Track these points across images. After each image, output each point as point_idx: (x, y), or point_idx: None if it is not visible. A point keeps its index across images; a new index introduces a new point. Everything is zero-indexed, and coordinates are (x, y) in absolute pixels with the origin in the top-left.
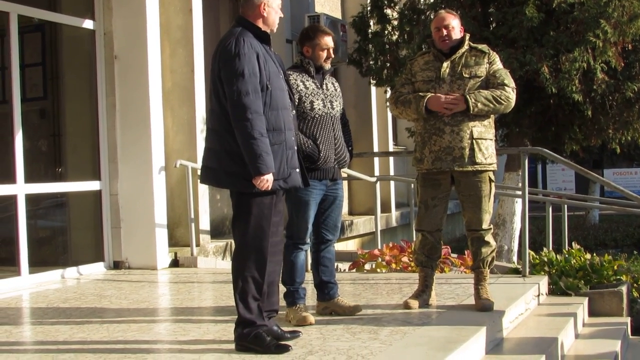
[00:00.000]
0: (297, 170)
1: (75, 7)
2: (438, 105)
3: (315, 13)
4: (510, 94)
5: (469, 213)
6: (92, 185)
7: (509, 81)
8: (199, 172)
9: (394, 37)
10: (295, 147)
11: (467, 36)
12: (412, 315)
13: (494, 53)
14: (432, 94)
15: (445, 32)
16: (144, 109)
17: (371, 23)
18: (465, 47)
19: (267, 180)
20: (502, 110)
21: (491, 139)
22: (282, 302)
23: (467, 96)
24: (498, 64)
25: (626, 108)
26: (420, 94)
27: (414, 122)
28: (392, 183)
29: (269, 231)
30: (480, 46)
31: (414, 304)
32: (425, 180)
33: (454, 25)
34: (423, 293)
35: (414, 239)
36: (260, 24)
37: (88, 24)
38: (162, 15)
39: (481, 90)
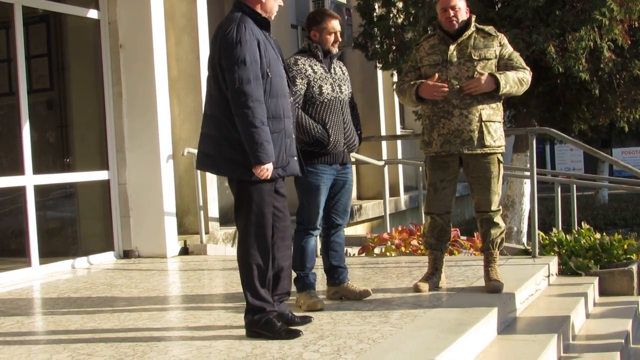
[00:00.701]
0: (295, 158)
1: None
2: (428, 93)
3: None
4: (529, 77)
5: (478, 195)
6: (101, 175)
7: (524, 64)
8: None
9: (399, 20)
10: (294, 136)
11: (473, 17)
12: (423, 298)
13: (502, 35)
14: (422, 81)
15: (452, 12)
16: (150, 97)
17: (376, 6)
18: (472, 28)
19: (267, 169)
20: (521, 92)
21: (499, 122)
22: (293, 287)
23: (498, 76)
24: (509, 47)
25: (634, 86)
26: (412, 82)
27: (421, 105)
28: (400, 166)
29: (270, 217)
30: (486, 28)
31: (424, 286)
32: (433, 163)
33: (460, 6)
34: (433, 276)
35: (423, 222)
36: (259, 9)
37: (92, 13)
38: (166, 3)
39: (506, 72)
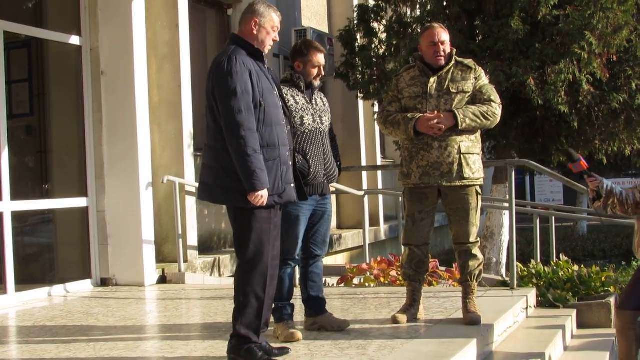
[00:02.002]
0: (292, 185)
1: (61, 23)
2: (426, 127)
3: (302, 27)
4: (496, 110)
5: (456, 226)
6: (79, 202)
7: (495, 97)
8: (186, 188)
9: (381, 51)
10: (290, 163)
11: (454, 51)
12: (401, 330)
13: (480, 68)
14: (421, 115)
15: (442, 47)
16: (130, 124)
17: (358, 37)
18: (452, 62)
19: (261, 196)
20: (488, 126)
21: (478, 154)
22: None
23: (456, 112)
24: (484, 80)
25: (612, 119)
26: (408, 115)
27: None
28: (380, 196)
29: (269, 245)
30: (466, 61)
31: (402, 318)
32: (412, 195)
33: (447, 41)
34: (411, 307)
35: (402, 253)
36: (253, 41)
37: (74, 39)
38: (148, 30)
39: (469, 106)
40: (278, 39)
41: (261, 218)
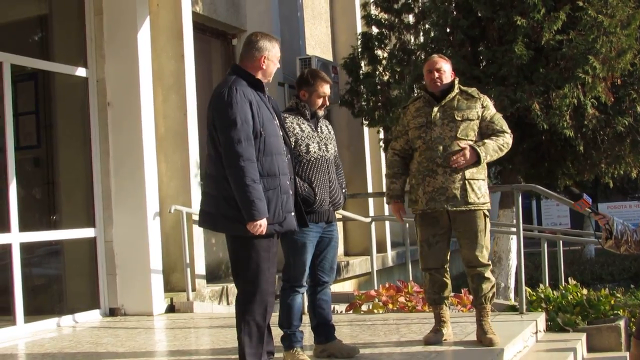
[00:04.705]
0: (293, 213)
1: (68, 55)
2: (395, 213)
3: (306, 55)
4: (509, 140)
5: (466, 249)
6: (87, 233)
7: (506, 127)
8: (194, 217)
9: (385, 78)
10: (291, 192)
11: (457, 80)
12: (410, 356)
13: (485, 97)
14: (395, 202)
15: (437, 74)
16: (137, 155)
17: (362, 64)
18: (456, 90)
19: (260, 225)
20: (501, 156)
21: (483, 179)
22: (280, 345)
23: (479, 150)
24: (492, 109)
25: (617, 142)
26: (389, 191)
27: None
28: (387, 223)
29: (268, 273)
30: (469, 90)
31: (434, 338)
32: (423, 220)
33: (445, 69)
34: (441, 329)
35: (422, 279)
36: (259, 75)
37: (81, 71)
38: (154, 61)
39: (488, 142)
40: (279, 66)
41: (260, 247)
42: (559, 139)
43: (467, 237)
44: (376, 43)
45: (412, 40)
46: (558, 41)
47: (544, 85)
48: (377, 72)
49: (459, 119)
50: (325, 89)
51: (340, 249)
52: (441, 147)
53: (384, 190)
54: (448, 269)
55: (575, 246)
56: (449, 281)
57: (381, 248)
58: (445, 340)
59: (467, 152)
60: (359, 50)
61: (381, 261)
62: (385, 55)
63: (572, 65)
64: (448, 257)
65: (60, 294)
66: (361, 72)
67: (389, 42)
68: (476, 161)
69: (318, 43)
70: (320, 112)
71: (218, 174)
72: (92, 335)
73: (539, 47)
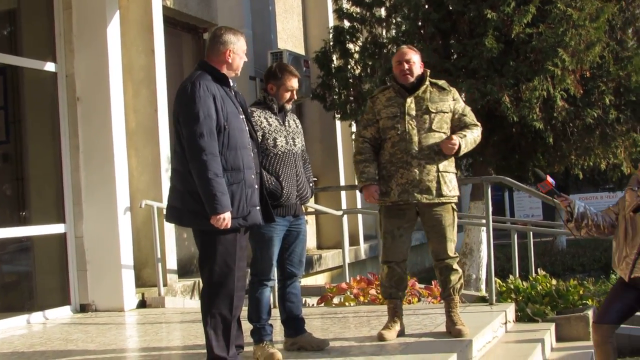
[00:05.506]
0: (258, 208)
1: (36, 50)
2: (368, 198)
3: (278, 49)
4: (480, 133)
5: (435, 243)
6: (57, 229)
7: (475, 119)
8: (164, 212)
9: (357, 71)
10: (256, 186)
11: (428, 72)
12: (381, 348)
13: (454, 89)
14: (370, 185)
15: (407, 65)
16: (107, 149)
17: (334, 58)
18: (427, 82)
19: (224, 219)
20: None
21: (454, 172)
22: (249, 339)
23: (461, 141)
24: (462, 102)
25: (587, 134)
26: (363, 174)
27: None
28: (359, 216)
29: (234, 268)
30: (440, 82)
31: (389, 335)
32: (389, 211)
33: (415, 60)
34: (395, 324)
35: (380, 272)
36: (224, 69)
37: (50, 66)
38: (124, 56)
39: (465, 134)
40: (246, 59)
41: (226, 241)
42: (529, 131)
43: (437, 230)
44: (348, 37)
45: (384, 33)
46: (528, 34)
47: (514, 78)
48: (349, 66)
49: (434, 111)
50: (293, 82)
51: (313, 243)
52: (416, 139)
53: (356, 178)
54: (406, 265)
55: (547, 238)
56: (406, 277)
57: (354, 241)
58: (400, 335)
59: (455, 140)
60: (331, 43)
61: (354, 254)
62: (357, 48)
63: (542, 58)
64: (408, 252)
65: (30, 290)
66: (333, 65)
67: (361, 36)
68: (455, 152)
69: (290, 37)
70: (288, 106)
71: (184, 168)
72: (62, 332)
73: (509, 40)
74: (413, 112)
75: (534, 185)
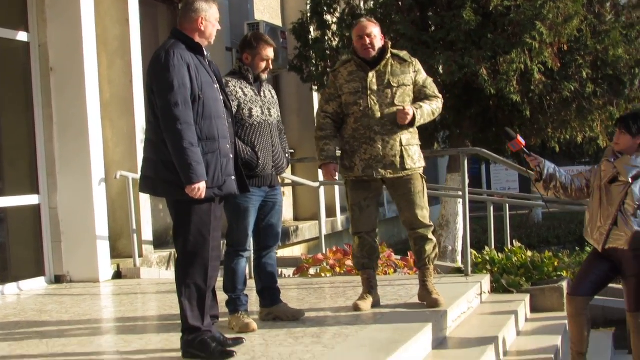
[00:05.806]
0: (233, 177)
1: (8, 19)
2: (326, 176)
3: (255, 20)
4: (441, 105)
5: (406, 212)
6: (31, 200)
7: (437, 91)
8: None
9: (334, 43)
10: (231, 155)
11: (389, 44)
12: (356, 318)
13: (416, 60)
14: (329, 163)
15: (368, 40)
16: (82, 120)
17: (311, 29)
18: (388, 55)
19: (199, 189)
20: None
21: (417, 144)
22: (225, 310)
23: (415, 112)
24: (424, 73)
25: (564, 107)
26: (323, 152)
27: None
28: (336, 187)
29: (209, 238)
30: (401, 53)
31: (364, 305)
32: (355, 184)
33: (376, 34)
34: (370, 294)
35: (352, 243)
36: (197, 37)
37: (22, 36)
38: (98, 26)
39: (422, 105)
40: (220, 28)
41: (200, 211)
42: (507, 104)
43: (406, 199)
44: (325, 8)
45: (361, 5)
46: (506, 7)
47: (491, 51)
48: (326, 38)
49: (395, 85)
50: (269, 52)
51: (290, 214)
52: (379, 114)
53: (317, 155)
54: (376, 234)
55: (523, 210)
56: (377, 246)
57: (331, 213)
58: (375, 306)
59: (409, 109)
60: (308, 15)
61: (330, 226)
62: (335, 20)
63: (520, 31)
64: (377, 221)
65: (4, 262)
66: (310, 37)
67: (338, 7)
68: (410, 123)
69: (267, 8)
70: (264, 76)
71: (157, 138)
72: (36, 303)
73: (487, 12)
74: (375, 87)
75: (510, 158)
